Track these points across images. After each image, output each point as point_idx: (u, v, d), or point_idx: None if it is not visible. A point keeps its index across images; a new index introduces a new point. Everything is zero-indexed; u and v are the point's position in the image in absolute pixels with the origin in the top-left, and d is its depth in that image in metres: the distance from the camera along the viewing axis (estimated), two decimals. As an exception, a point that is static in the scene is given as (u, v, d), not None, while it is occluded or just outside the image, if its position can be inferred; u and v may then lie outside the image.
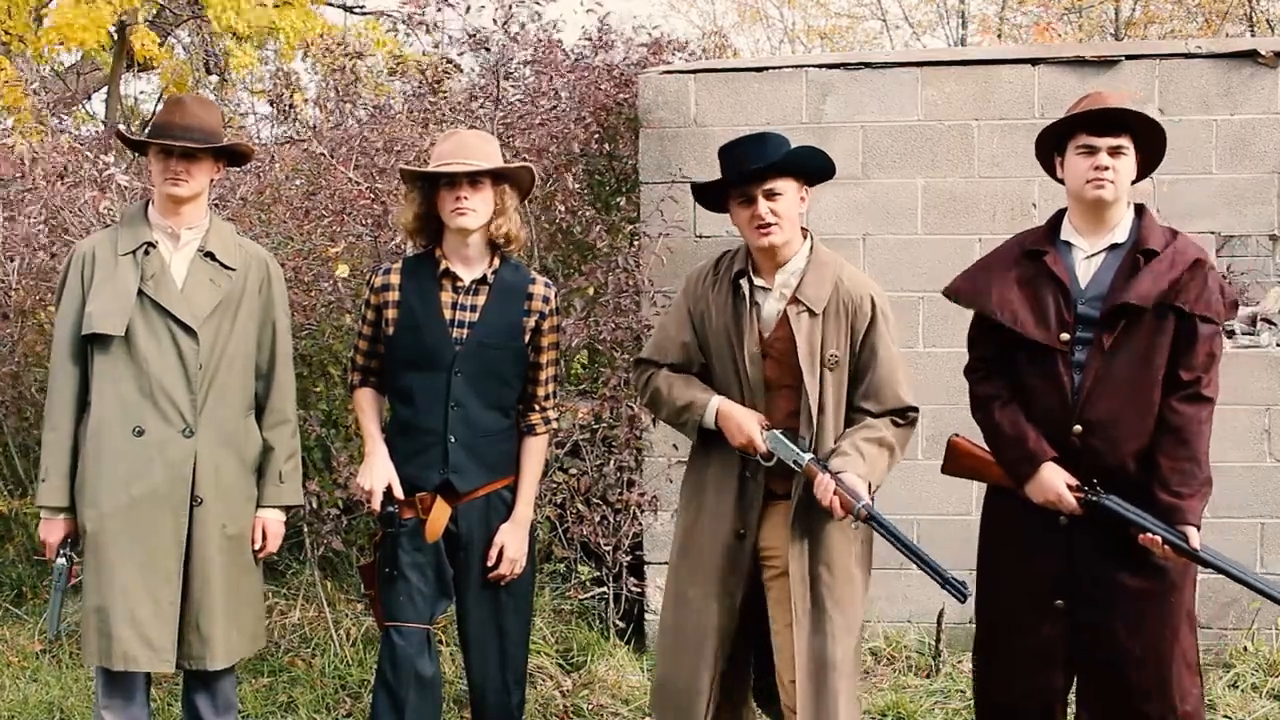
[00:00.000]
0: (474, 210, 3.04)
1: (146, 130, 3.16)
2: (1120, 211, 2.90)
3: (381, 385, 3.25)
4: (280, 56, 9.58)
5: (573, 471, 4.47)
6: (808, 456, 2.87)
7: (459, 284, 3.12)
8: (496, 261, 3.15)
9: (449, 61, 4.94)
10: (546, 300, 3.19)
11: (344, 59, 4.88)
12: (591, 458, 4.51)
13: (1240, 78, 4.40)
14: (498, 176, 3.09)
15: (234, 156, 3.27)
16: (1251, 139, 4.40)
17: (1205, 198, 4.40)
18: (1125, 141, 2.84)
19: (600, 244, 4.64)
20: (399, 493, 3.09)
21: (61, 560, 3.09)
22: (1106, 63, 4.45)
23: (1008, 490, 2.96)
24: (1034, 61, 4.51)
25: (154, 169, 3.12)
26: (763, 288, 2.98)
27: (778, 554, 2.96)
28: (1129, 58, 4.48)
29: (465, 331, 3.09)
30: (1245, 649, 4.36)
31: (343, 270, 4.39)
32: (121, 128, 3.26)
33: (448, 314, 3.10)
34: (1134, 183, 2.93)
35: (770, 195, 2.89)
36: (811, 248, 3.00)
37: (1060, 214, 3.00)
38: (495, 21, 4.87)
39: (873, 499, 2.85)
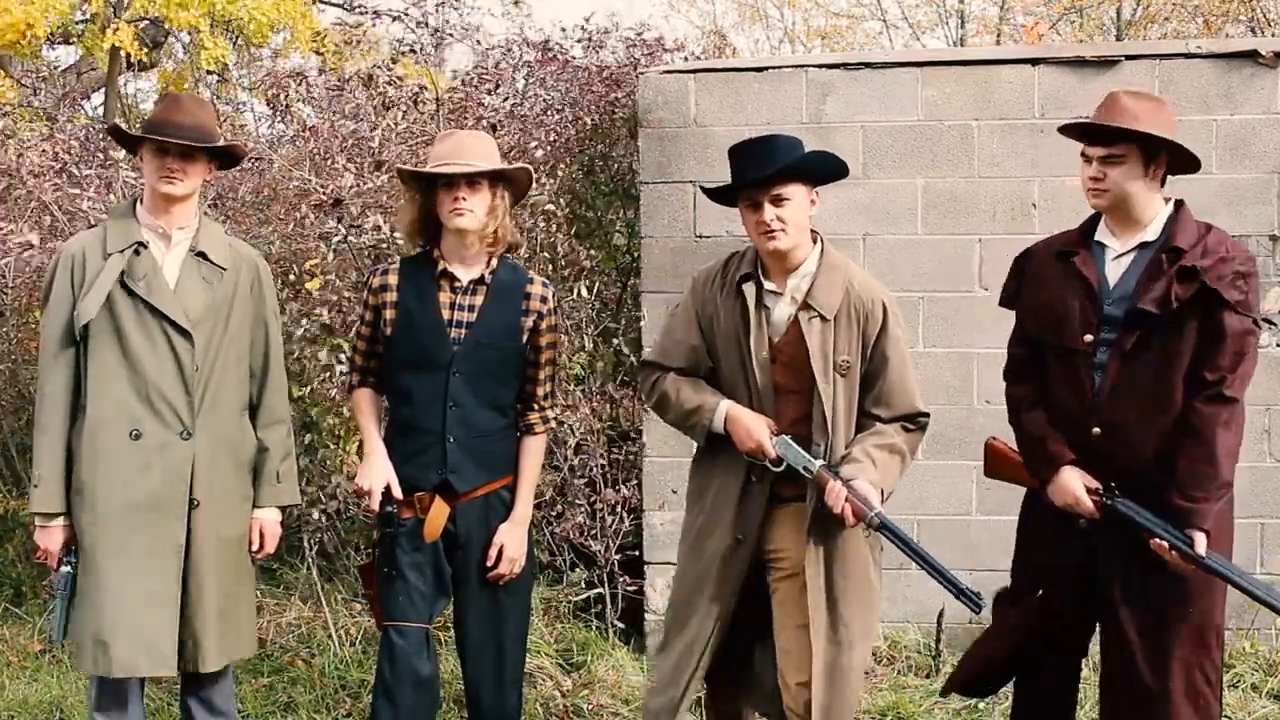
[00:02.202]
0: (471, 211, 3.03)
1: (142, 127, 3.13)
2: (1149, 210, 2.86)
3: (380, 385, 3.25)
4: (251, 47, 9.58)
5: (552, 476, 4.48)
6: (818, 463, 2.85)
7: (457, 284, 3.11)
8: (494, 262, 3.15)
9: (394, 75, 4.94)
10: (544, 300, 3.18)
11: (330, 68, 4.90)
12: (576, 457, 4.52)
13: (1240, 78, 4.40)
14: (495, 177, 3.09)
15: (227, 158, 3.26)
16: (1251, 139, 4.40)
17: (1205, 198, 4.38)
18: (1120, 150, 2.79)
19: (562, 245, 4.63)
20: (398, 493, 3.08)
21: (66, 569, 3.03)
22: (1106, 63, 4.45)
23: (1039, 493, 2.95)
24: (1034, 61, 4.50)
25: (148, 166, 3.07)
26: (773, 291, 2.94)
27: (786, 556, 2.94)
28: (1129, 58, 4.47)
29: (463, 332, 3.08)
30: (1245, 649, 4.36)
31: (314, 284, 4.35)
32: (121, 123, 3.22)
33: (445, 314, 3.09)
34: (1173, 174, 2.89)
35: (778, 201, 2.84)
36: (822, 251, 2.96)
37: (1098, 214, 2.98)
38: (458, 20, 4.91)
39: (884, 506, 2.83)
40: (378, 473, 3.09)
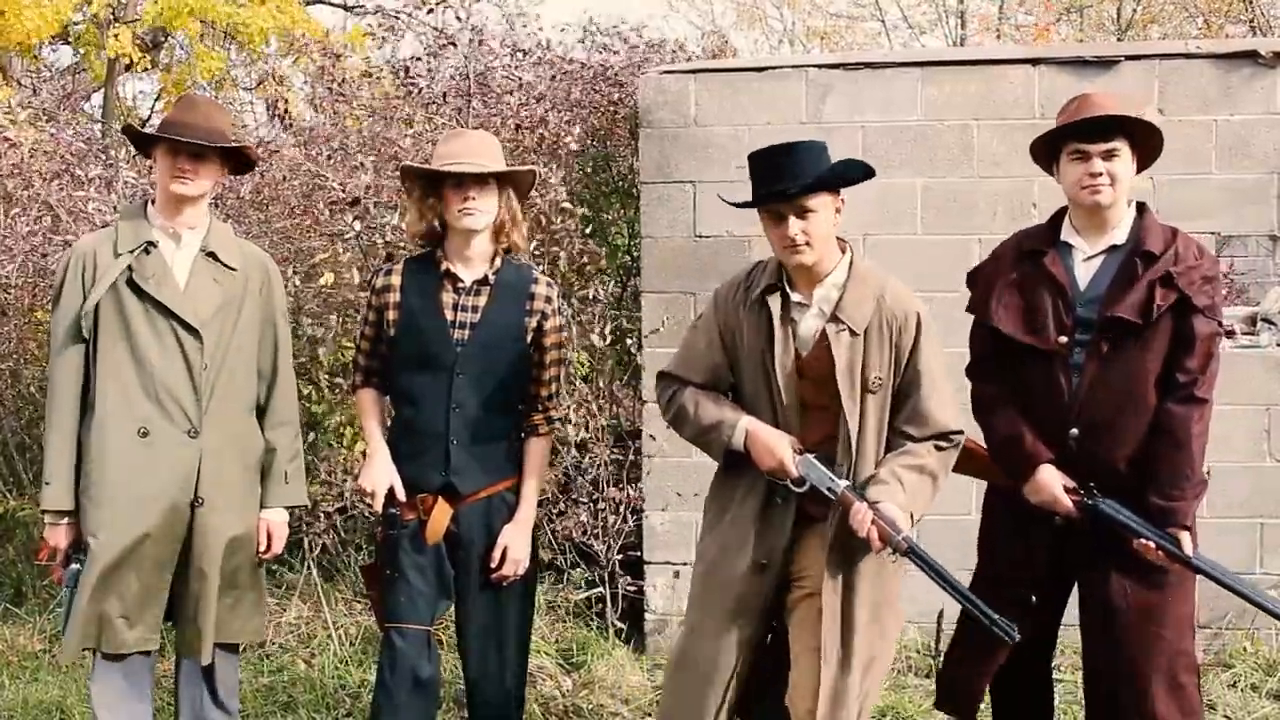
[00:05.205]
0: (480, 211, 3.04)
1: (156, 127, 3.15)
2: (1120, 212, 2.89)
3: (383, 386, 3.25)
4: (248, 50, 9.60)
5: (555, 474, 4.48)
6: (843, 484, 2.71)
7: (460, 285, 3.11)
8: (498, 262, 3.15)
9: (414, 60, 4.96)
10: (548, 300, 3.18)
11: (324, 61, 4.89)
12: (570, 457, 4.52)
13: (1240, 78, 4.40)
14: (502, 178, 3.09)
15: (240, 161, 3.27)
16: (1251, 139, 4.40)
17: (1205, 198, 4.39)
18: (1118, 144, 2.82)
19: (578, 243, 4.64)
20: (401, 494, 3.08)
21: (75, 566, 3.06)
22: (1106, 63, 4.45)
23: (1005, 489, 2.96)
24: (1034, 61, 4.50)
25: (161, 166, 3.09)
26: (800, 303, 2.80)
27: (809, 576, 2.80)
28: (1129, 58, 4.47)
29: (467, 333, 3.08)
30: (1245, 649, 4.36)
31: (328, 279, 4.36)
32: (134, 124, 3.26)
33: (449, 315, 3.09)
34: (1136, 173, 2.93)
35: (802, 213, 2.68)
36: (852, 261, 2.82)
37: (1061, 212, 2.99)
38: (459, 19, 4.92)
39: (915, 529, 2.71)
40: (381, 474, 3.09)
